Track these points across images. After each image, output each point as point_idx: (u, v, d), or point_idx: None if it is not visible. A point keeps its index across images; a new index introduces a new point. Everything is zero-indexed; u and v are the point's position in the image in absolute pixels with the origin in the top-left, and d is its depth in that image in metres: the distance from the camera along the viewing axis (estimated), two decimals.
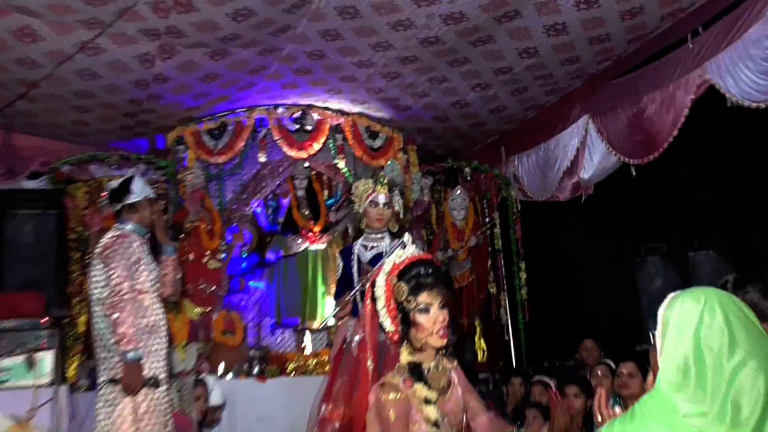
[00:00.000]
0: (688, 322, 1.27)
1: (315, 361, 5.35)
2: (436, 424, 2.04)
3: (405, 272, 2.12)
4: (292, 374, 5.24)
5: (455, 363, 2.23)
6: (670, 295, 1.35)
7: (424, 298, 2.07)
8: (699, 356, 1.23)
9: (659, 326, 1.33)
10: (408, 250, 2.20)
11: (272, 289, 6.02)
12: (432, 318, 2.06)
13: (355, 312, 3.73)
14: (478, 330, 6.72)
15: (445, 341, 2.07)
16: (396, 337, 2.14)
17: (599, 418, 1.50)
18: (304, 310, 5.83)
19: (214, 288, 5.37)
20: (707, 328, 1.25)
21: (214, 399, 4.24)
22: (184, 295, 4.98)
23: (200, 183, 5.60)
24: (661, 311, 1.35)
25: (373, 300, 2.19)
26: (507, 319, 6.85)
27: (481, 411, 2.20)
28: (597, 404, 1.53)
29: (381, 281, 2.16)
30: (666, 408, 1.24)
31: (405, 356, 2.12)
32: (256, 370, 5.11)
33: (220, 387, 4.37)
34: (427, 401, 2.05)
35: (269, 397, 4.91)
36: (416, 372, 2.10)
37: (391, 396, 2.02)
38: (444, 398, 2.13)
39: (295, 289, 5.92)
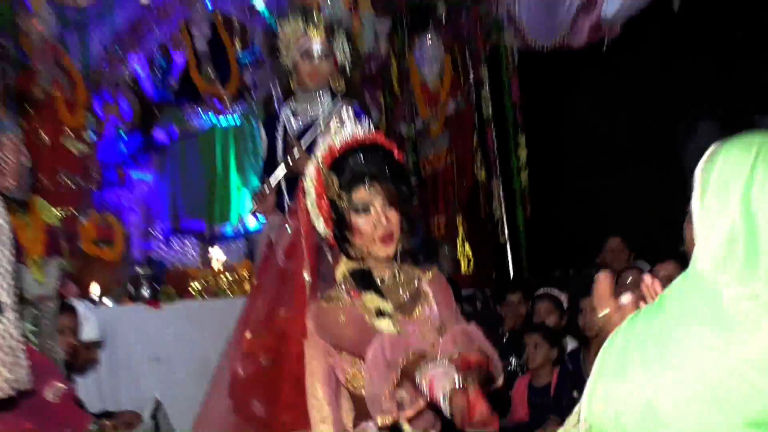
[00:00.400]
0: (735, 180, 1.27)
1: (230, 278, 5.45)
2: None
3: (339, 160, 2.22)
4: (197, 297, 5.33)
5: (430, 273, 2.35)
6: (712, 147, 1.36)
7: (360, 195, 2.18)
8: (749, 224, 1.24)
9: (696, 188, 1.34)
10: (347, 129, 2.27)
11: (165, 181, 6.11)
12: (372, 220, 2.18)
13: (280, 206, 3.88)
14: (460, 231, 6.88)
15: (390, 249, 2.19)
16: (332, 240, 2.29)
17: (602, 310, 1.54)
18: (212, 209, 6.02)
19: (79, 181, 5.28)
20: (760, 186, 1.24)
21: (88, 333, 4.24)
22: (36, 192, 4.85)
23: (52, 33, 5.39)
24: (698, 169, 1.36)
25: (304, 194, 2.30)
26: (501, 215, 7.01)
27: (450, 324, 2.27)
28: (599, 291, 1.57)
29: (311, 169, 2.26)
30: (705, 293, 1.27)
31: (343, 266, 2.28)
32: (145, 292, 5.17)
33: (95, 316, 4.36)
34: (380, 313, 2.16)
35: (166, 328, 4.97)
36: (364, 280, 2.23)
37: (337, 304, 2.21)
38: (408, 318, 2.23)
39: (197, 181, 6.04)
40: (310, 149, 3.87)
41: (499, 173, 7.10)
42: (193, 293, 5.37)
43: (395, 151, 2.27)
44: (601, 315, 1.57)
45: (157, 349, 4.92)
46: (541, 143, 7.00)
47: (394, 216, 2.18)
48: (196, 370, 4.65)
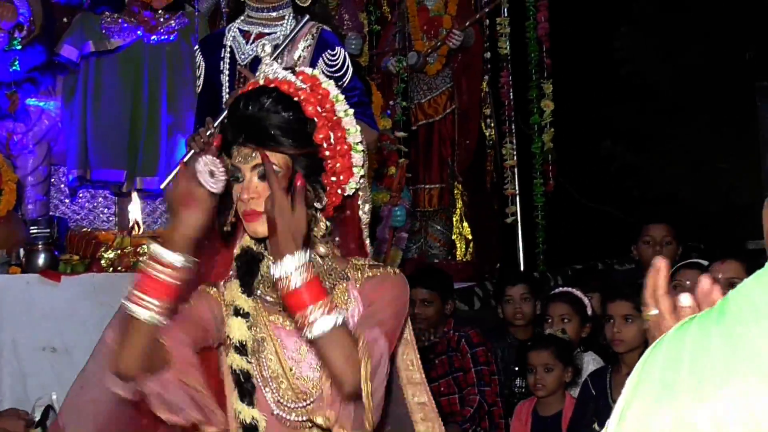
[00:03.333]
0: None
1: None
2: (241, 349, 2.27)
3: (232, 107, 2.31)
4: (110, 269, 5.26)
5: (373, 271, 2.35)
6: None
7: (233, 156, 2.25)
8: None
9: None
10: (269, 69, 2.33)
11: (74, 114, 6.02)
12: (237, 191, 2.25)
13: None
14: (458, 205, 6.93)
15: (256, 228, 2.23)
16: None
17: (651, 309, 1.56)
18: (134, 155, 5.98)
19: None
20: None
21: None
22: None
23: None
24: None
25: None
26: (514, 187, 7.07)
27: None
28: (653, 283, 1.58)
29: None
30: None
31: (245, 239, 2.35)
32: (41, 260, 5.11)
33: None
34: (236, 312, 2.28)
35: (65, 308, 4.94)
36: (245, 264, 2.34)
37: (205, 287, 2.32)
38: (290, 327, 2.29)
39: (116, 115, 5.96)
40: None
41: (514, 131, 7.17)
42: (104, 264, 5.29)
43: (308, 106, 2.24)
44: (649, 315, 1.58)
45: (53, 335, 4.87)
46: (571, 95, 7.14)
47: (266, 188, 2.18)
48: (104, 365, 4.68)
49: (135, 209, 5.73)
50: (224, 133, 2.29)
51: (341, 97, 2.31)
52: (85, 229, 5.76)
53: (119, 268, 5.28)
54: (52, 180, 6.10)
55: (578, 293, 4.93)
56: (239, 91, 2.35)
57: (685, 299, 1.51)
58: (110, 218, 6.09)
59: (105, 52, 5.97)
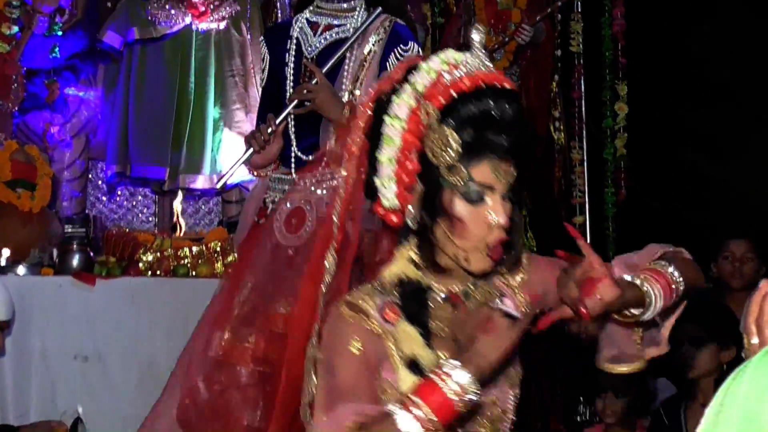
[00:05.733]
0: None
1: (196, 249, 5.35)
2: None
3: (460, 104, 2.07)
4: (148, 273, 5.23)
5: (519, 275, 2.31)
6: None
7: (482, 172, 2.07)
8: None
9: None
10: (470, 56, 2.11)
11: (115, 105, 6.03)
12: (483, 214, 2.08)
13: (285, 156, 3.89)
14: (522, 213, 6.79)
15: (492, 264, 2.13)
16: (397, 219, 2.20)
17: (753, 337, 1.56)
18: (178, 151, 5.93)
19: None
20: None
21: None
22: None
23: None
24: None
25: (372, 135, 2.20)
26: (584, 196, 7.07)
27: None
28: (755, 312, 1.59)
29: (404, 101, 2.13)
30: None
31: (400, 265, 2.20)
32: (75, 261, 5.04)
33: (2, 288, 4.29)
34: (413, 365, 2.11)
35: (100, 314, 4.87)
36: (412, 299, 2.17)
37: (359, 321, 2.12)
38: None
39: (160, 107, 5.94)
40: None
41: (584, 135, 7.15)
42: (142, 267, 5.25)
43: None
44: (751, 342, 1.57)
45: (86, 342, 4.81)
46: (647, 97, 7.02)
47: (508, 212, 2.08)
48: (138, 375, 4.67)
49: (176, 209, 5.79)
50: (466, 140, 2.05)
51: None
52: (123, 229, 5.70)
53: (158, 272, 5.27)
54: (90, 176, 6.12)
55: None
56: (468, 84, 2.06)
57: None
58: (150, 218, 6.13)
59: (150, 40, 5.99)
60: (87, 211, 5.78)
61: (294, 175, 3.85)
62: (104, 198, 6.05)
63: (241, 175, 4.69)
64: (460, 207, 2.06)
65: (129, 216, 6.05)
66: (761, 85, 6.89)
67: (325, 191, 3.74)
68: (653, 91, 7.04)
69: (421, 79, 2.09)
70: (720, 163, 7.05)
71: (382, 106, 2.15)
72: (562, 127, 7.02)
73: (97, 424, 4.64)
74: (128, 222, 6.02)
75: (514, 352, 2.10)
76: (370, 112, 2.20)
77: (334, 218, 2.27)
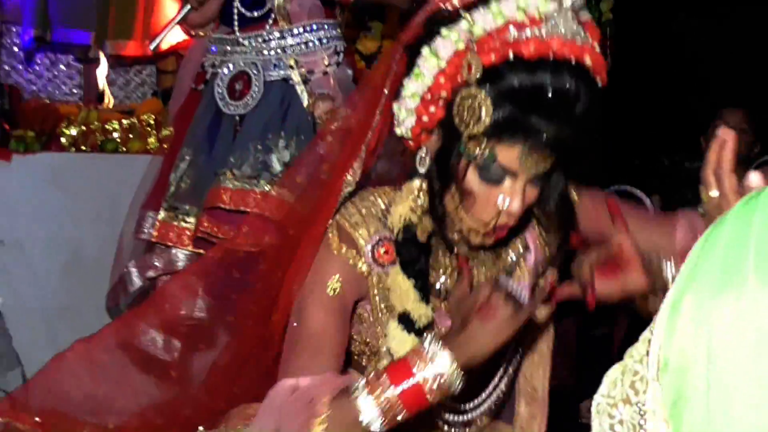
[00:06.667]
0: None
1: (126, 122, 5.30)
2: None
3: (510, 70, 1.91)
4: (72, 148, 5.19)
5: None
6: None
7: (509, 156, 1.97)
8: None
9: None
10: (558, 13, 1.93)
11: None
12: (495, 196, 2.03)
13: (226, 17, 3.85)
14: None
15: (490, 241, 2.13)
16: (412, 142, 2.18)
17: (712, 189, 1.61)
18: (104, 13, 5.81)
19: None
20: None
21: None
22: None
23: None
24: None
25: (411, 51, 2.10)
26: None
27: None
28: (715, 158, 1.62)
29: (451, 40, 1.99)
30: None
31: (406, 206, 2.15)
32: None
33: None
34: (405, 319, 2.12)
35: (17, 193, 4.89)
36: (412, 244, 2.15)
37: (345, 256, 2.15)
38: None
39: None
40: None
41: None
42: (65, 142, 5.19)
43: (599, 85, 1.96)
44: (710, 195, 1.62)
45: (2, 226, 4.83)
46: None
47: (527, 199, 2.03)
48: (61, 263, 4.71)
49: (103, 78, 5.82)
50: (499, 113, 1.90)
51: None
52: (41, 99, 5.73)
53: (83, 148, 5.22)
54: (4, 41, 6.00)
55: (638, 193, 4.97)
56: (533, 51, 1.90)
57: (755, 178, 1.55)
58: (74, 90, 6.17)
59: None
60: (1, 81, 5.59)
61: (237, 35, 3.75)
62: (21, 66, 5.94)
63: (177, 36, 4.67)
64: (474, 181, 2.01)
65: (50, 87, 6.00)
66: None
67: (272, 52, 3.67)
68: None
69: (483, 21, 1.94)
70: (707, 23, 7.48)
71: (434, 25, 2.00)
72: None
73: (17, 317, 4.67)
74: (49, 93, 5.97)
75: (511, 341, 2.07)
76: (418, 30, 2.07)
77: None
